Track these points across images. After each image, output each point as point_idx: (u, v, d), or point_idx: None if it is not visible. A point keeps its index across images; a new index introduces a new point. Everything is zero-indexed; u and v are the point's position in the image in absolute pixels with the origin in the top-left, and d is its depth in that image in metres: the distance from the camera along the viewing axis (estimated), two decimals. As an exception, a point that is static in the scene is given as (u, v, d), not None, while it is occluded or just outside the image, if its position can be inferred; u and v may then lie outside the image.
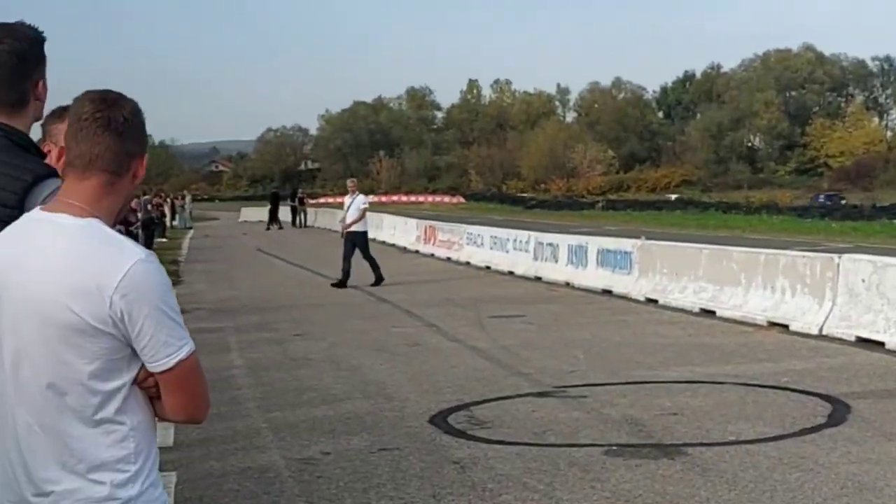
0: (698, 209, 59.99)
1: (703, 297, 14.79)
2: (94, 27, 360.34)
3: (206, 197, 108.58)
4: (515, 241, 22.72)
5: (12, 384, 2.26)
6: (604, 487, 6.23)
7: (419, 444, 7.40)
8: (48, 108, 3.03)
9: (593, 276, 18.24)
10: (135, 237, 19.30)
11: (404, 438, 7.56)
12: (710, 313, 14.22)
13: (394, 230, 35.20)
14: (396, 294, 18.02)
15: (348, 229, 19.95)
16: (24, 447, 2.26)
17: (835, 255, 12.83)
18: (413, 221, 33.85)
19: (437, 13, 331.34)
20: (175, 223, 53.76)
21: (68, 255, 2.23)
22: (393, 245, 32.36)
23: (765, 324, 13.03)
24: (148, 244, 26.73)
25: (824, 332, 12.05)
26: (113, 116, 2.30)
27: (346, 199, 20.87)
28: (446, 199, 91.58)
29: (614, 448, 7.13)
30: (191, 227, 53.13)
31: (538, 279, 20.12)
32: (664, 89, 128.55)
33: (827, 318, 12.22)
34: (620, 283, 17.20)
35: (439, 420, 8.12)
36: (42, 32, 2.89)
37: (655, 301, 15.70)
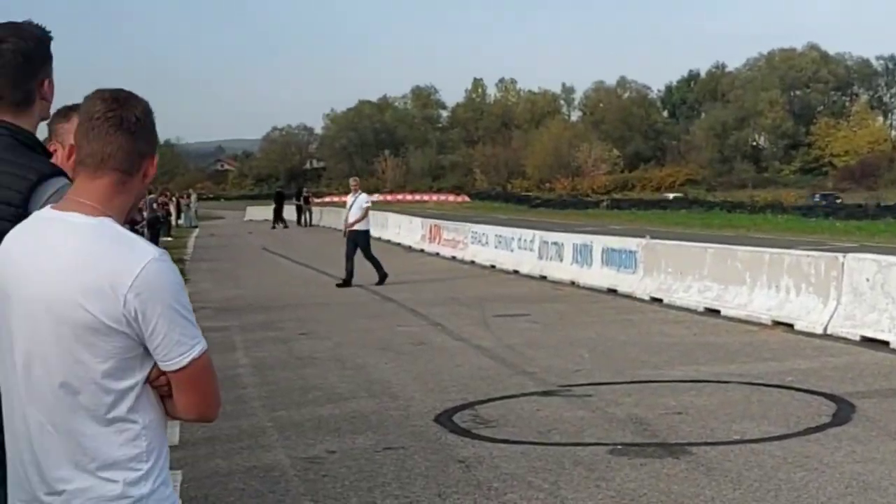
0: (703, 208, 59.86)
1: (708, 296, 14.80)
2: (94, 27, 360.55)
3: (211, 196, 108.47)
4: (520, 240, 22.71)
5: (24, 384, 2.26)
6: (608, 486, 6.24)
7: (424, 442, 7.41)
8: (54, 107, 3.03)
9: (598, 276, 18.24)
10: (140, 236, 19.29)
11: (409, 437, 7.57)
12: (714, 312, 14.22)
13: (399, 229, 35.22)
14: (401, 293, 18.03)
15: (350, 228, 19.97)
16: (37, 446, 2.26)
17: (839, 255, 12.82)
18: (418, 220, 33.83)
19: (436, 13, 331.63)
20: (180, 222, 53.82)
21: (80, 253, 2.23)
22: (398, 244, 32.38)
23: (769, 323, 13.03)
24: (153, 243, 26.71)
25: (829, 332, 12.05)
26: (125, 116, 2.30)
27: (349, 198, 20.85)
28: (451, 198, 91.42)
29: (619, 447, 7.14)
30: (196, 226, 53.17)
31: (543, 278, 20.12)
32: (669, 88, 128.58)
33: (831, 317, 12.22)
34: (625, 282, 17.20)
35: (444, 419, 8.13)
36: (49, 32, 2.87)
37: (660, 300, 15.70)
